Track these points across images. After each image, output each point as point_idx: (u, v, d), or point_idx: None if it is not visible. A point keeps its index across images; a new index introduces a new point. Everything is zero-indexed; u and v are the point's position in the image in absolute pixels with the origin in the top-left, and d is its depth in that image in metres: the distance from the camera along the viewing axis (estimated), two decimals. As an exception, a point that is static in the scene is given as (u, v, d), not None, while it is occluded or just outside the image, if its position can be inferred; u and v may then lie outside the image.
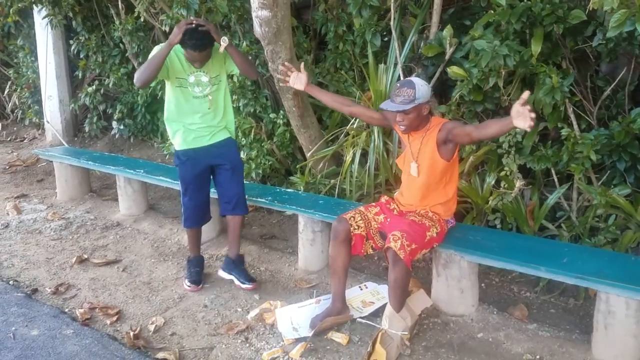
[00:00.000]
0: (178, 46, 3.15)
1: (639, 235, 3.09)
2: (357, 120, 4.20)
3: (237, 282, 3.44)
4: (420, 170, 2.90)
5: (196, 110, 3.33)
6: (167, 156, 5.90)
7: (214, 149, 3.40)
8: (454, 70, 3.64)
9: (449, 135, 2.78)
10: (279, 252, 3.92)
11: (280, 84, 3.45)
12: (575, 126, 3.45)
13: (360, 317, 2.95)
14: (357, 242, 2.90)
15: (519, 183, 3.43)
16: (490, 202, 3.55)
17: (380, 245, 2.95)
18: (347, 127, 4.22)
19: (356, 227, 2.89)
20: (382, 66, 4.10)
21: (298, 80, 3.28)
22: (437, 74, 4.00)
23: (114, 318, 3.15)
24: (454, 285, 2.93)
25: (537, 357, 2.64)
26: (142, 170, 4.55)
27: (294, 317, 2.97)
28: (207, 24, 3.12)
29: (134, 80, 3.19)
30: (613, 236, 3.08)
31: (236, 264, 3.47)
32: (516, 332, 2.84)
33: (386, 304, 3.00)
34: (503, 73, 3.39)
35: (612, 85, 3.52)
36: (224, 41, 3.14)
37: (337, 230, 2.89)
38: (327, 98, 3.34)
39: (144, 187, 4.83)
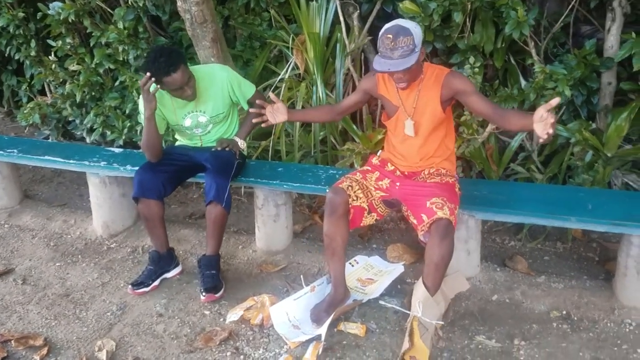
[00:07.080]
0: (163, 96, 2.81)
1: (609, 170, 3.06)
2: (290, 69, 3.65)
3: None
4: (417, 128, 2.47)
5: (195, 141, 3.10)
6: (27, 128, 4.75)
7: (207, 151, 2.98)
8: (406, 6, 3.24)
9: (456, 96, 2.38)
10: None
11: (257, 122, 2.64)
12: (537, 61, 3.28)
13: (373, 299, 2.53)
14: (355, 214, 2.43)
15: (490, 127, 3.20)
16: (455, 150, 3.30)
17: (385, 214, 2.54)
18: (278, 79, 3.65)
19: (355, 198, 2.41)
20: (314, 4, 3.55)
21: (277, 112, 2.58)
22: (374, 13, 3.58)
23: (44, 351, 2.36)
24: (461, 247, 2.61)
25: (564, 312, 2.47)
26: (15, 150, 3.52)
27: (291, 312, 2.45)
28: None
29: None
30: (594, 174, 3.00)
31: (201, 265, 2.77)
32: (529, 288, 2.63)
33: (392, 281, 2.65)
34: (469, 6, 3.08)
35: (561, 19, 3.39)
36: (242, 144, 3.04)
37: (334, 203, 2.37)
38: (313, 116, 2.86)
39: (16, 171, 3.79)
